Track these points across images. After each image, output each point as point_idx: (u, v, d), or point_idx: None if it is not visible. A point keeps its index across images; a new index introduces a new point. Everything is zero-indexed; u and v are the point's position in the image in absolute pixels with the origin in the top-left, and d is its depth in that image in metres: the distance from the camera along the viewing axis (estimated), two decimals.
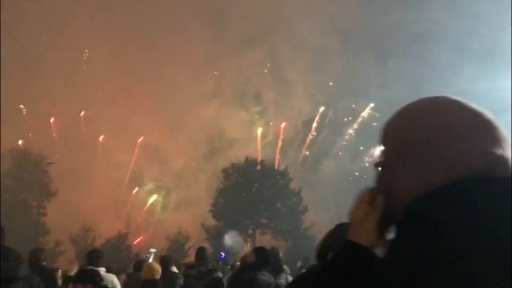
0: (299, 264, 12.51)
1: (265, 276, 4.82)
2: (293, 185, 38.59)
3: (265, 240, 36.56)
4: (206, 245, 36.55)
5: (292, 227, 37.08)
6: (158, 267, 6.03)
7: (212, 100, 52.29)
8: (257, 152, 46.41)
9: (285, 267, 7.18)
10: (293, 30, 53.05)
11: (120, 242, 37.15)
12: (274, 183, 37.89)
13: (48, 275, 5.09)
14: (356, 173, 46.14)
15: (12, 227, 35.15)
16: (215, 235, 36.84)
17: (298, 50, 52.16)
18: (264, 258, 5.83)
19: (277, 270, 6.33)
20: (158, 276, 5.84)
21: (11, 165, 40.77)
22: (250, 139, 51.15)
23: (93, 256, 5.83)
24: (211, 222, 38.22)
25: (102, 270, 5.63)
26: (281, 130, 51.92)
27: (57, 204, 41.50)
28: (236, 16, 52.18)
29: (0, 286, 3.14)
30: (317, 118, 52.90)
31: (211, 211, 38.25)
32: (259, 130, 52.14)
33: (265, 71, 54.11)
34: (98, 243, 38.49)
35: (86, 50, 51.97)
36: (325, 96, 52.48)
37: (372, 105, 50.70)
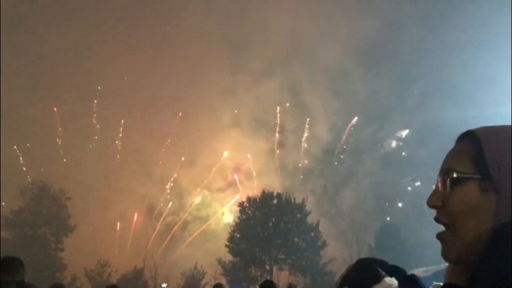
0: None
1: None
2: (311, 219, 37.97)
3: (283, 276, 35.75)
4: (222, 281, 35.93)
5: (311, 263, 36.20)
6: None
7: (231, 131, 52.63)
8: (275, 184, 46.20)
9: None
10: (313, 57, 53.48)
11: (136, 277, 36.78)
12: (291, 217, 37.36)
13: None
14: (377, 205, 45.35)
15: (31, 263, 35.28)
16: (232, 271, 36.20)
17: (318, 77, 52.62)
18: None
19: None
20: None
21: (30, 200, 41.35)
22: (268, 171, 51.04)
23: None
24: (227, 257, 37.64)
25: None
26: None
27: (74, 239, 41.60)
28: (255, 44, 53.29)
29: None
30: (341, 144, 52.46)
31: (227, 246, 37.74)
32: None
33: (287, 103, 54.25)
34: (114, 278, 38.23)
35: (99, 87, 52.99)
36: (345, 124, 52.16)
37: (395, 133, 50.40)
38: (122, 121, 52.57)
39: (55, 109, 50.67)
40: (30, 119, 48.86)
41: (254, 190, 41.11)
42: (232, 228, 38.12)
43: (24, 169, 46.26)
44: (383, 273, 1.84)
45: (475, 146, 0.82)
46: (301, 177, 51.35)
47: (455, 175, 0.82)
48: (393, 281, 1.77)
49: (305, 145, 52.93)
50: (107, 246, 42.08)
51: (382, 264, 2.10)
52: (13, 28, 46.66)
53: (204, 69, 54.53)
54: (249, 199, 38.94)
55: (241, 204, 38.86)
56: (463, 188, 0.81)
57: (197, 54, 54.83)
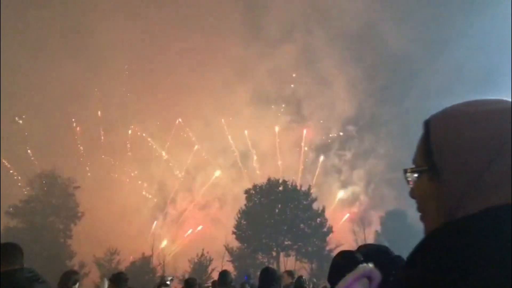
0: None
1: None
2: (316, 206, 38.16)
3: (290, 262, 36.09)
4: (230, 267, 36.31)
5: (317, 249, 36.47)
6: None
7: (243, 111, 52.38)
8: (280, 172, 46.25)
9: None
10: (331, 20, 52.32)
11: (144, 264, 37.24)
12: (297, 203, 37.56)
13: None
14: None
15: (41, 250, 35.86)
16: (239, 258, 36.57)
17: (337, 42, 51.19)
18: (267, 279, 5.85)
19: None
20: None
21: (39, 189, 41.87)
22: (275, 159, 51.05)
23: (118, 279, 5.84)
24: (234, 244, 38.00)
25: None
26: (303, 137, 51.19)
27: (83, 227, 42.16)
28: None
29: None
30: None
31: (234, 233, 38.07)
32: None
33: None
34: (122, 266, 38.76)
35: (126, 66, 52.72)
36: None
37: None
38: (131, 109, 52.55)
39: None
40: (39, 110, 48.99)
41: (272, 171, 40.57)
42: (239, 215, 38.41)
43: (33, 158, 46.63)
44: (360, 260, 1.89)
45: (426, 135, 0.81)
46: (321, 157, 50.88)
47: (409, 171, 0.84)
48: (368, 266, 1.81)
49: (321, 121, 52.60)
50: (116, 234, 42.47)
51: (387, 252, 2.14)
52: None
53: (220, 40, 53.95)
54: (255, 187, 39.19)
55: (247, 191, 39.09)
56: (419, 180, 0.82)
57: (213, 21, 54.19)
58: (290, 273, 7.64)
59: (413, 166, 0.83)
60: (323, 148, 51.74)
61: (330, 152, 51.66)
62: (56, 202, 41.98)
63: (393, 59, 49.53)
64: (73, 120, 50.69)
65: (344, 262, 2.00)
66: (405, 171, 0.84)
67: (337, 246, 37.11)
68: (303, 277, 6.94)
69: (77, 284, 5.01)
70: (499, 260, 0.62)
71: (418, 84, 50.25)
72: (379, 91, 51.36)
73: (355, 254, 2.05)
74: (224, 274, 6.77)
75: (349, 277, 1.77)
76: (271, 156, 50.76)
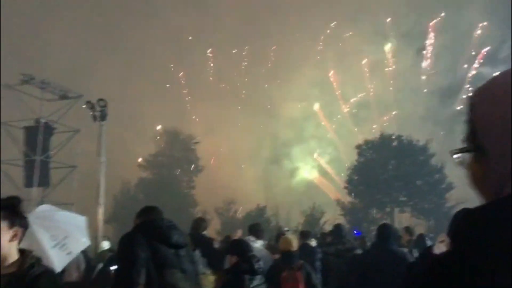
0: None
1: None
2: (435, 161, 35.87)
3: (404, 218, 35.02)
4: (342, 221, 36.58)
5: (434, 206, 34.70)
6: (293, 240, 6.25)
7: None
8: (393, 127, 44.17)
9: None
10: None
11: (259, 214, 39.29)
12: (413, 159, 35.73)
13: (206, 243, 5.69)
14: None
15: (169, 199, 40.03)
16: (351, 212, 36.57)
17: None
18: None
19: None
20: (293, 249, 6.04)
21: (165, 144, 46.37)
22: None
23: (255, 230, 6.24)
24: (346, 198, 37.96)
25: (259, 243, 5.95)
26: None
27: (203, 179, 45.79)
28: None
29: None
30: None
31: (345, 187, 37.90)
32: None
33: None
34: (240, 216, 41.53)
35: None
36: None
37: None
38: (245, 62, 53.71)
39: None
40: (157, 73, 52.90)
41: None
42: (350, 170, 37.99)
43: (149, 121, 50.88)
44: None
45: (470, 114, 0.76)
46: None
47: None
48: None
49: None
50: (233, 186, 45.33)
51: None
52: None
53: None
54: (367, 142, 38.17)
55: (359, 147, 38.28)
56: (469, 161, 0.78)
57: None
58: (408, 229, 7.41)
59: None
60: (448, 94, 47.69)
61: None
62: (179, 156, 46.12)
63: None
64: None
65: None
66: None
67: (457, 203, 34.88)
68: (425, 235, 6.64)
69: (206, 230, 5.58)
70: None
71: None
72: None
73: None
74: (337, 227, 6.91)
75: None
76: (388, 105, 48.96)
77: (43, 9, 45.72)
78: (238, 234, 7.92)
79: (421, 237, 7.01)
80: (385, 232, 4.96)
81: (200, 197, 45.06)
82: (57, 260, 3.68)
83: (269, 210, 40.63)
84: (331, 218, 38.12)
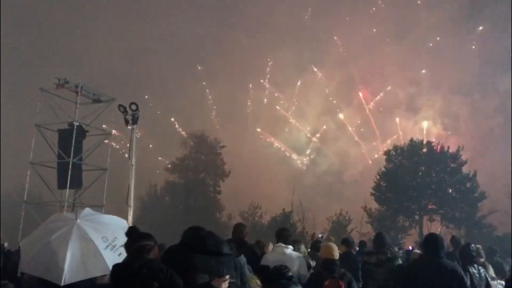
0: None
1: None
2: (466, 169, 34.90)
3: (434, 227, 34.18)
4: (369, 228, 35.99)
5: (465, 214, 33.73)
6: (335, 248, 6.16)
7: None
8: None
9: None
10: None
11: (285, 219, 39.01)
12: (444, 166, 34.86)
13: (248, 249, 5.66)
14: None
15: (196, 203, 40.37)
16: (378, 219, 35.91)
17: None
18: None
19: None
20: (335, 257, 5.96)
21: (191, 148, 46.70)
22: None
23: (282, 235, 6.21)
24: (373, 205, 37.28)
25: (290, 248, 5.94)
26: None
27: (230, 183, 45.86)
28: None
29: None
30: None
31: (372, 194, 37.29)
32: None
33: None
34: (265, 220, 41.38)
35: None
36: None
37: None
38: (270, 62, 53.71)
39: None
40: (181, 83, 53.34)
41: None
42: (378, 176, 37.34)
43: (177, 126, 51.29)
44: None
45: None
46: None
47: None
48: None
49: None
50: (259, 191, 45.17)
51: None
52: None
53: None
54: (395, 148, 37.50)
55: (387, 153, 37.63)
56: None
57: None
58: (454, 240, 7.17)
59: None
60: None
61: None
62: (205, 160, 46.40)
63: None
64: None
65: None
66: None
67: (490, 213, 33.83)
68: (472, 245, 6.36)
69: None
70: None
71: None
72: None
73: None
74: (379, 236, 6.73)
75: None
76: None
77: (79, 15, 47.19)
78: (269, 248, 7.68)
79: (468, 248, 6.52)
80: (434, 242, 4.78)
81: (225, 201, 45.22)
82: (110, 262, 3.71)
83: (294, 215, 40.35)
84: (357, 225, 37.65)
